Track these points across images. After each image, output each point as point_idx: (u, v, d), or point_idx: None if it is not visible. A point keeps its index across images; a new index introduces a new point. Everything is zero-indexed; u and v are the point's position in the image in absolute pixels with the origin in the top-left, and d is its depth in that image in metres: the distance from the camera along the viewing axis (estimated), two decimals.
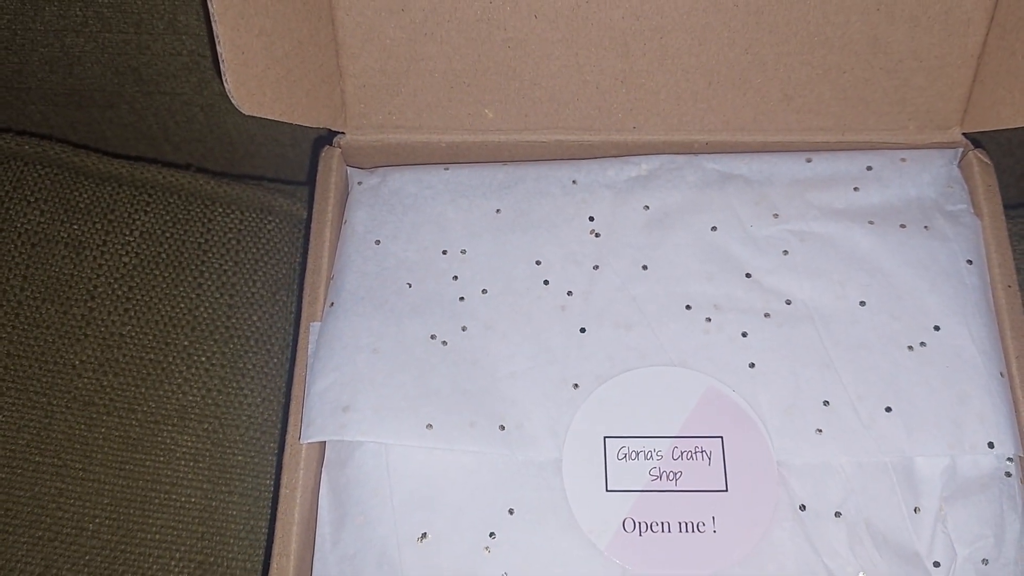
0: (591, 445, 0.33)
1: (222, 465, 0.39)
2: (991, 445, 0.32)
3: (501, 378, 0.34)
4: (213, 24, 0.29)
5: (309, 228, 0.36)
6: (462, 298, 0.35)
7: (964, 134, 0.37)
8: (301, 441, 0.32)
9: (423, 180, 0.38)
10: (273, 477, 0.39)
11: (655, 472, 0.32)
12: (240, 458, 0.39)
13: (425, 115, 0.37)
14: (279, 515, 0.32)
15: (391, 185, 0.38)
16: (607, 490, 0.32)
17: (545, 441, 0.33)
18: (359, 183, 0.38)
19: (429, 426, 0.32)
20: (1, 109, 0.48)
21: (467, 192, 0.37)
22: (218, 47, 0.29)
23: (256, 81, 0.31)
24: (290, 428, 0.33)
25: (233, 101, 0.31)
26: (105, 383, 0.39)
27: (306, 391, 0.33)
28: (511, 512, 0.32)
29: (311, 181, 0.38)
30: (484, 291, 0.35)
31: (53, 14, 0.43)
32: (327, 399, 0.33)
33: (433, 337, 0.34)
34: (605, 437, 0.33)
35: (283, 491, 0.32)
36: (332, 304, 0.35)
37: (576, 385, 0.34)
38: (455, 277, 0.36)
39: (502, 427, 0.33)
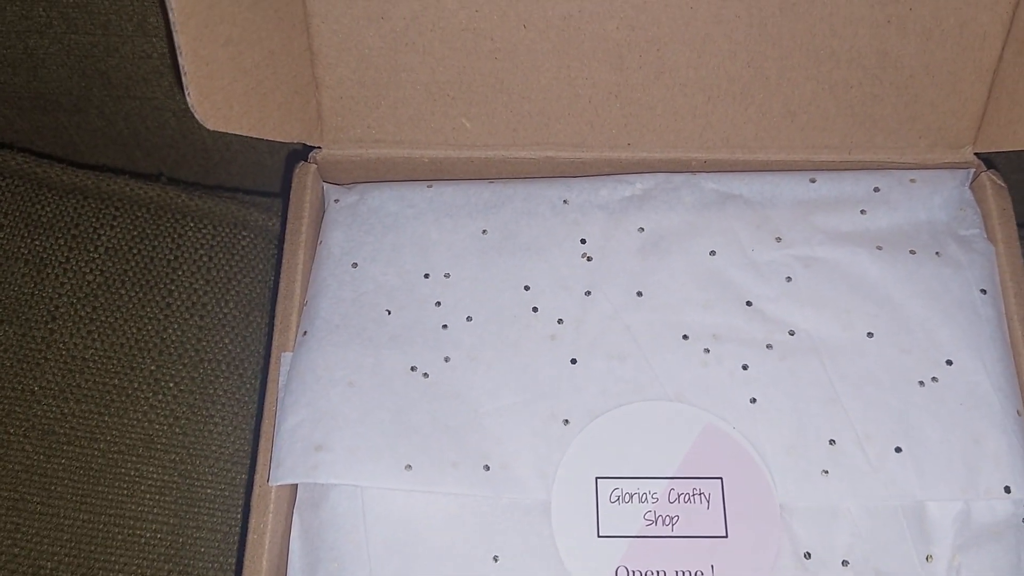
0: (582, 487, 0.31)
1: (190, 499, 0.37)
2: (1007, 490, 0.30)
3: (486, 414, 0.32)
4: (174, 34, 0.26)
5: (281, 250, 0.34)
6: (445, 326, 0.33)
7: (976, 154, 0.36)
8: (270, 483, 0.30)
9: (404, 198, 0.36)
10: (242, 513, 0.37)
11: (650, 516, 0.30)
12: (209, 491, 0.38)
13: (407, 129, 0.36)
14: (246, 562, 0.30)
15: (370, 203, 0.36)
16: (599, 535, 0.30)
17: (532, 482, 0.31)
18: (336, 201, 0.36)
19: (408, 467, 0.30)
20: None
21: (451, 211, 0.35)
22: (179, 59, 0.27)
23: (222, 94, 0.29)
24: (258, 468, 0.31)
25: (197, 116, 0.28)
26: (66, 410, 0.38)
27: (276, 428, 0.31)
28: (495, 559, 0.30)
29: (285, 197, 0.36)
30: (469, 318, 0.33)
31: (15, 14, 0.41)
32: (298, 437, 0.31)
33: (413, 369, 0.32)
34: (597, 478, 0.31)
35: (251, 536, 0.30)
36: (305, 333, 0.33)
37: (566, 421, 0.32)
38: (438, 303, 0.34)
39: (486, 467, 0.31)
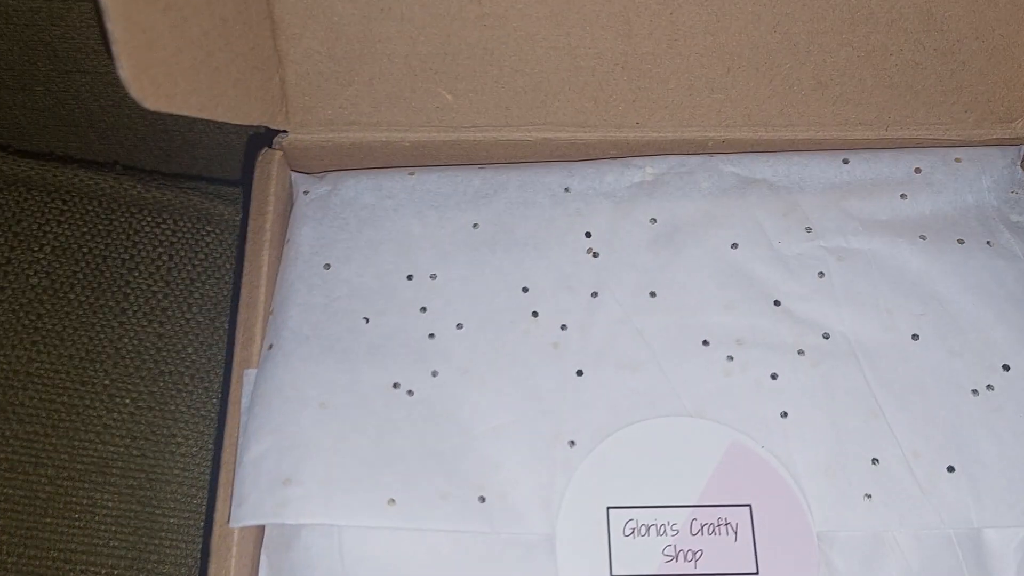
0: (591, 518, 0.28)
1: (150, 529, 0.35)
2: None
3: (480, 435, 0.29)
4: None
5: (243, 250, 0.30)
6: (432, 335, 0.30)
7: None
8: (231, 525, 0.27)
9: (383, 188, 0.33)
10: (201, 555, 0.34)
11: (670, 551, 0.27)
12: (172, 520, 0.35)
13: (384, 108, 0.32)
14: None
15: (344, 194, 0.33)
16: (612, 575, 0.27)
17: (535, 515, 0.28)
18: (305, 192, 0.33)
19: (391, 501, 0.27)
20: None
21: (437, 203, 0.33)
22: (106, 23, 0.23)
23: (163, 68, 0.25)
24: (218, 506, 0.27)
25: (132, 94, 0.25)
26: (8, 433, 0.35)
27: (237, 459, 0.28)
28: None
29: (247, 190, 0.32)
30: (459, 326, 0.30)
31: None
32: (263, 470, 0.27)
33: (396, 386, 0.29)
34: (608, 508, 0.28)
35: None
36: (271, 346, 0.30)
37: (572, 442, 0.29)
38: (423, 309, 0.31)
39: (482, 498, 0.28)
